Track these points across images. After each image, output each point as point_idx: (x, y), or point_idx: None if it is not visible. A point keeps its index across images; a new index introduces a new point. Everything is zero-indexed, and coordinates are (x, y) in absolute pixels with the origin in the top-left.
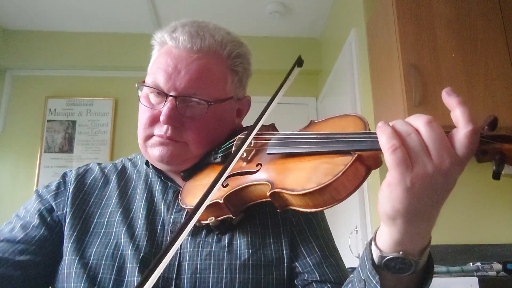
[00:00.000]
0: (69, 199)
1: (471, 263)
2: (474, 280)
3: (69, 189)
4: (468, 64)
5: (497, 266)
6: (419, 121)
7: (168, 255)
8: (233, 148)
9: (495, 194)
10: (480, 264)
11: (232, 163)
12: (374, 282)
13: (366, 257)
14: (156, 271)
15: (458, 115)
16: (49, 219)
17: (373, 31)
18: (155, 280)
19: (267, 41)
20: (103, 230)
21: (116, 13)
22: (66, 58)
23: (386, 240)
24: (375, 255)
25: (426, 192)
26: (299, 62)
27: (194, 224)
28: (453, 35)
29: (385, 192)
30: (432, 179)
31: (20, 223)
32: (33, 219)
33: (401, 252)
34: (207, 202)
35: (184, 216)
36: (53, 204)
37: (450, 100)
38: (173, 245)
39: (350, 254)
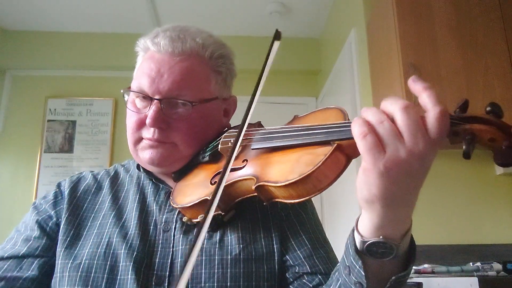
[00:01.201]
0: (65, 206)
1: (471, 263)
2: (474, 280)
3: (65, 197)
4: (468, 63)
5: (497, 266)
6: (395, 106)
7: (195, 250)
8: (220, 146)
9: (495, 194)
10: (480, 264)
11: (232, 158)
12: (357, 267)
13: (349, 244)
14: (189, 265)
15: (425, 99)
16: (48, 228)
17: (373, 31)
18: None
19: (267, 41)
20: (95, 231)
21: (116, 13)
22: (66, 58)
23: (367, 225)
24: (357, 240)
25: (401, 176)
26: (277, 35)
27: (185, 223)
28: (453, 35)
29: (361, 177)
30: (407, 163)
31: (22, 237)
32: (33, 231)
33: (381, 237)
34: (217, 200)
35: (176, 216)
36: (52, 213)
37: (416, 87)
38: (194, 248)
39: None
